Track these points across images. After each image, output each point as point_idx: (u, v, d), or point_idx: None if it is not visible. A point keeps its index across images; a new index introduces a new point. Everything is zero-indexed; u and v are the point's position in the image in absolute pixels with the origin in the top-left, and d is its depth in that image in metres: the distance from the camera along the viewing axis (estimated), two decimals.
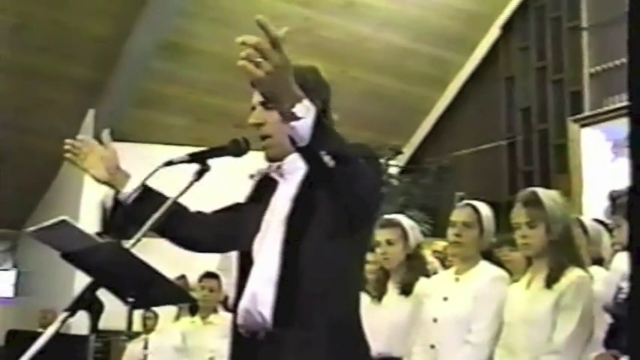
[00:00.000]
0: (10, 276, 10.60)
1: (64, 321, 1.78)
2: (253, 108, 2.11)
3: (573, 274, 3.01)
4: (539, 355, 2.96)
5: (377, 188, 2.09)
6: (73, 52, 7.67)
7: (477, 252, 3.44)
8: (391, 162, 8.51)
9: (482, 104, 8.62)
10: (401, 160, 9.00)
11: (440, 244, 4.96)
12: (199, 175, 2.06)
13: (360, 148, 1.93)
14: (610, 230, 3.61)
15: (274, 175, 2.13)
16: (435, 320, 3.35)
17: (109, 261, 1.88)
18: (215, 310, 5.19)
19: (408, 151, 9.17)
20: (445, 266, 4.29)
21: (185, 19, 7.48)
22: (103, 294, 1.87)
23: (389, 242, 3.71)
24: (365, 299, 3.76)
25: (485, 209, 3.48)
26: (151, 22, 7.43)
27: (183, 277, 6.27)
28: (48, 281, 8.71)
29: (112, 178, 2.29)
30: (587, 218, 3.98)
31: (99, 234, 2.16)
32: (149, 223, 1.99)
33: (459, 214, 3.49)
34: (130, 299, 1.99)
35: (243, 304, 2.01)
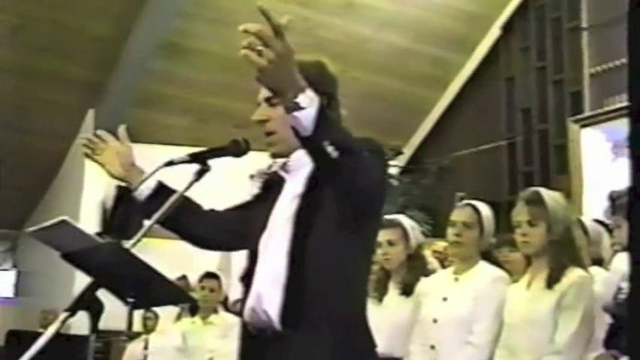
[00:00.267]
0: (10, 276, 10.59)
1: (64, 321, 1.78)
2: (259, 104, 2.10)
3: (574, 274, 3.01)
4: (541, 355, 2.95)
5: (381, 181, 2.08)
6: (73, 53, 7.66)
7: (476, 252, 3.43)
8: (391, 162, 8.51)
9: (482, 104, 8.62)
10: (401, 160, 9.00)
11: (440, 245, 4.96)
12: (199, 175, 2.06)
13: (365, 142, 1.91)
14: (610, 231, 3.61)
15: (280, 172, 2.12)
16: (434, 321, 3.35)
17: (109, 261, 1.88)
18: (215, 311, 5.19)
19: (408, 151, 9.17)
20: (444, 267, 4.28)
21: (185, 20, 7.48)
22: (103, 294, 1.87)
23: (390, 243, 3.71)
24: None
25: (485, 209, 3.48)
26: (150, 23, 7.43)
27: (184, 277, 6.27)
28: (48, 281, 8.71)
29: (127, 175, 2.29)
30: (587, 219, 3.98)
31: (99, 234, 2.17)
32: (149, 223, 1.99)
33: (459, 214, 3.48)
34: (130, 299, 2.00)
35: (250, 303, 2.00)
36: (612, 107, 6.88)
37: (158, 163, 2.07)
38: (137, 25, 7.47)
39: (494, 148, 8.21)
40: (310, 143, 1.74)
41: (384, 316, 3.62)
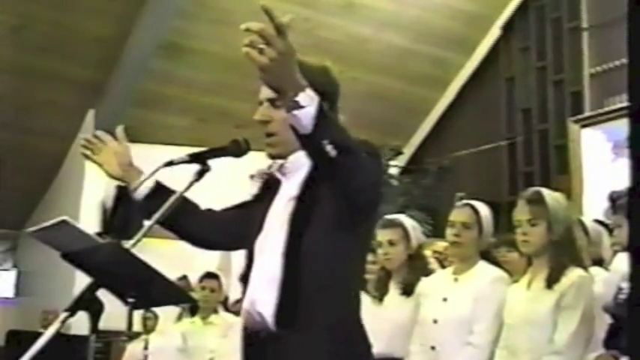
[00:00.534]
0: (11, 276, 10.59)
1: (64, 321, 1.78)
2: (261, 103, 2.10)
3: (574, 274, 3.01)
4: (541, 355, 2.95)
5: (378, 182, 2.10)
6: (73, 52, 7.66)
7: (475, 252, 3.43)
8: (391, 162, 8.51)
9: (482, 105, 8.62)
10: (401, 160, 9.00)
11: (440, 245, 4.95)
12: (199, 175, 2.07)
13: (362, 144, 1.92)
14: (610, 231, 3.61)
15: (276, 174, 2.12)
16: (434, 321, 3.34)
17: (109, 261, 1.88)
18: (215, 311, 5.19)
19: (408, 151, 9.17)
20: (444, 267, 4.28)
21: (185, 20, 7.48)
22: (103, 294, 1.87)
23: (391, 243, 3.71)
24: (366, 300, 3.76)
25: (484, 209, 3.48)
26: (150, 23, 7.43)
27: (185, 277, 6.27)
28: (48, 281, 8.71)
29: (125, 174, 2.29)
30: (587, 219, 3.98)
31: (99, 234, 2.17)
32: (149, 224, 1.99)
33: (457, 215, 3.48)
34: (130, 299, 2.00)
35: (245, 304, 2.01)
36: (612, 107, 6.88)
37: (158, 163, 2.07)
38: (137, 25, 7.47)
39: (495, 149, 8.21)
40: (309, 142, 1.74)
41: (385, 316, 3.62)
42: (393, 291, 3.71)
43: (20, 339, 7.03)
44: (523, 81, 8.05)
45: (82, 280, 1.86)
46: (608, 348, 2.85)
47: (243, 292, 2.04)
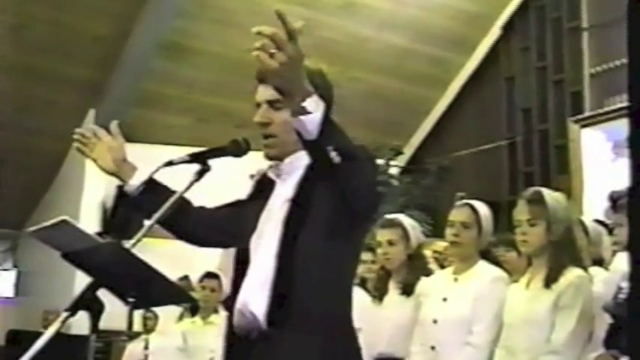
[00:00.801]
0: (11, 276, 10.59)
1: (64, 321, 1.78)
2: (258, 105, 2.11)
3: (572, 274, 3.01)
4: (539, 355, 2.95)
5: (376, 187, 2.12)
6: (73, 52, 7.66)
7: (475, 252, 3.43)
8: (391, 162, 8.51)
9: (482, 104, 8.62)
10: (401, 160, 9.00)
11: (440, 245, 4.95)
12: (200, 175, 2.07)
13: (359, 149, 1.93)
14: (610, 231, 3.61)
15: (271, 175, 2.13)
16: (434, 321, 3.34)
17: (110, 261, 1.88)
18: (216, 310, 5.19)
19: (408, 151, 9.17)
20: (443, 267, 4.28)
21: (185, 19, 7.48)
22: (103, 294, 1.87)
23: (390, 242, 3.71)
24: (366, 300, 3.76)
25: (483, 209, 3.48)
26: (151, 22, 7.43)
27: (186, 277, 6.27)
28: (48, 281, 8.71)
29: (119, 170, 2.30)
30: (587, 219, 3.99)
31: (99, 234, 2.17)
32: (150, 223, 2.00)
33: (457, 214, 3.48)
34: (131, 299, 2.00)
35: (238, 305, 2.01)
36: (612, 107, 6.88)
37: (158, 163, 2.07)
38: (137, 25, 7.47)
39: (495, 148, 8.21)
40: (314, 147, 1.75)
41: (385, 316, 3.62)
42: (393, 291, 3.71)
43: (20, 339, 7.04)
44: (523, 81, 8.05)
45: (82, 280, 1.86)
46: (608, 348, 2.85)
47: (234, 293, 2.04)
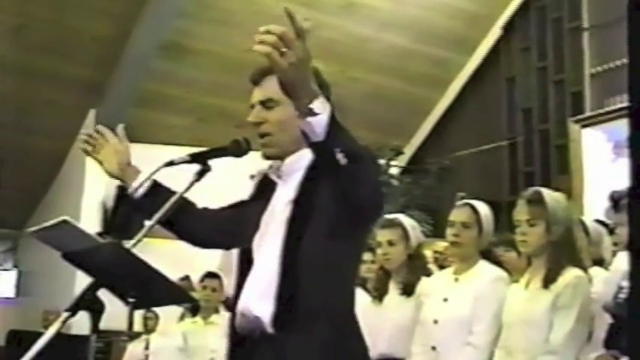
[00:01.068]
0: (11, 276, 10.59)
1: (64, 321, 1.78)
2: (252, 106, 2.11)
3: (570, 274, 3.01)
4: (537, 355, 2.95)
5: (380, 188, 2.13)
6: (73, 52, 7.67)
7: (475, 252, 3.43)
8: (392, 162, 8.51)
9: (483, 105, 8.62)
10: (402, 160, 9.00)
11: (441, 245, 4.95)
12: (200, 175, 2.07)
13: (362, 150, 1.93)
14: (611, 231, 3.61)
15: (272, 176, 2.13)
16: (435, 322, 3.34)
17: (110, 261, 1.88)
18: (217, 311, 5.19)
19: (408, 151, 9.17)
20: (443, 268, 4.28)
21: (185, 20, 7.48)
22: (103, 294, 1.87)
23: (390, 243, 3.70)
24: (366, 300, 3.75)
25: (483, 209, 3.47)
26: (151, 23, 7.43)
27: (187, 277, 6.27)
28: (49, 281, 8.71)
29: (123, 173, 2.30)
30: (588, 219, 3.98)
31: (100, 234, 2.17)
32: (150, 223, 1.99)
33: (457, 214, 3.47)
34: (131, 299, 1.99)
35: (241, 305, 2.01)
36: (613, 107, 6.89)
37: (158, 163, 2.07)
38: (138, 25, 7.47)
39: (495, 149, 8.21)
40: (320, 149, 1.75)
41: (385, 316, 3.62)
42: (393, 291, 3.70)
43: (21, 339, 7.02)
44: (524, 81, 8.05)
45: (82, 280, 1.86)
46: (609, 348, 2.85)
47: (237, 292, 2.04)
